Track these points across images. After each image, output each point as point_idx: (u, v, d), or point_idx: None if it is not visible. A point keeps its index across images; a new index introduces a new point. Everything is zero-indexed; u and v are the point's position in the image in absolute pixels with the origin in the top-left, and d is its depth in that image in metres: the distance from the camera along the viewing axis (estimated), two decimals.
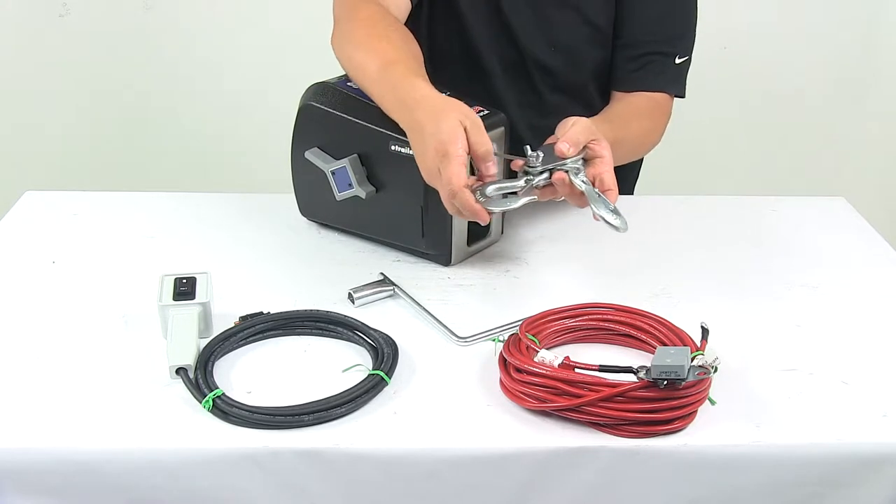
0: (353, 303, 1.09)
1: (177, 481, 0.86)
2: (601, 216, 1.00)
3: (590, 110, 1.40)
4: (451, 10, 1.33)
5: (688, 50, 1.37)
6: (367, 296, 1.09)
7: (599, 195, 1.02)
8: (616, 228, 1.00)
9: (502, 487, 0.88)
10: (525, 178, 1.04)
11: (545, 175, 1.03)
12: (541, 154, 1.04)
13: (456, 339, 1.02)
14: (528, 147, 1.05)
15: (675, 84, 1.38)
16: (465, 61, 1.36)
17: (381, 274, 1.14)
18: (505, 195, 1.04)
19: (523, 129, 1.39)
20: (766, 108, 2.53)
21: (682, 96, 1.39)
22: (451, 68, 1.34)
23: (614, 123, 1.23)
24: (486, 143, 1.00)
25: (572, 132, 1.04)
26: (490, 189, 1.02)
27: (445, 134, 0.99)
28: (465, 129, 0.99)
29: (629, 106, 1.35)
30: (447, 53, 1.35)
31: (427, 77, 1.10)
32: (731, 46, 2.42)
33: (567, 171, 1.03)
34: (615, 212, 1.00)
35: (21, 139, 2.45)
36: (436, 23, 1.36)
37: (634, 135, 1.32)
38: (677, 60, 1.35)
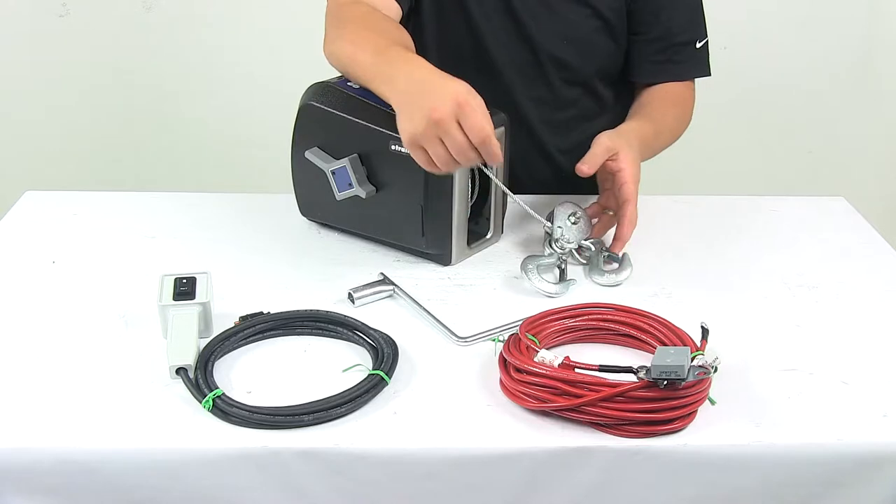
0: (353, 303, 1.09)
1: (177, 481, 0.86)
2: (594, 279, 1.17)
3: (599, 102, 1.41)
4: (460, 7, 1.33)
5: (704, 32, 1.40)
6: (367, 296, 1.09)
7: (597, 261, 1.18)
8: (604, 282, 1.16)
9: (502, 487, 0.88)
10: (557, 257, 1.17)
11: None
12: (565, 234, 1.18)
13: (456, 339, 1.02)
14: (547, 224, 1.18)
15: (699, 68, 1.41)
16: (475, 59, 1.36)
17: (381, 274, 1.14)
18: (546, 269, 1.16)
19: (537, 123, 1.39)
20: (766, 109, 2.54)
21: (709, 75, 1.42)
22: (461, 66, 1.34)
23: (654, 119, 1.32)
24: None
25: (590, 153, 1.17)
26: (535, 266, 1.14)
27: (462, 86, 1.00)
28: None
29: (660, 97, 1.39)
30: (457, 51, 1.35)
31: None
32: (731, 46, 2.42)
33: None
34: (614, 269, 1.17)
35: (21, 139, 2.45)
36: (444, 21, 1.35)
37: (670, 124, 1.37)
38: (698, 45, 1.38)
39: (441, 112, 0.98)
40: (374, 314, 1.06)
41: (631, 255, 1.18)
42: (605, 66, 1.40)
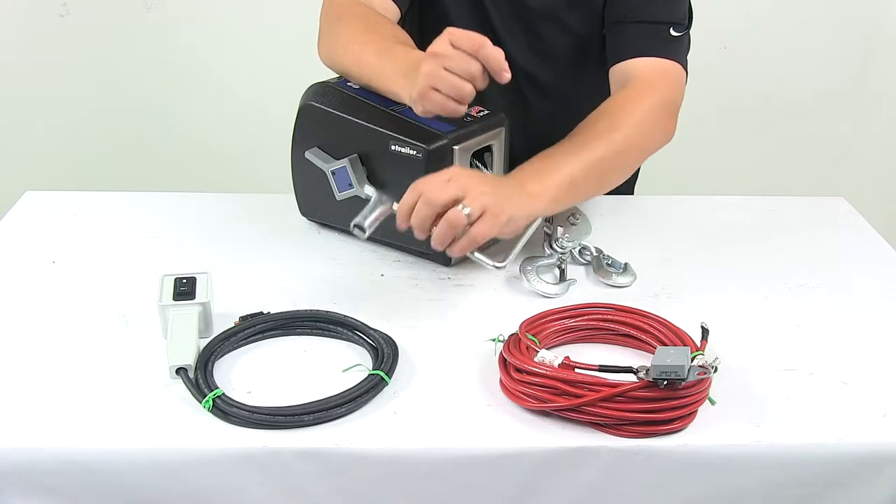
0: (364, 232, 1.04)
1: (177, 481, 0.86)
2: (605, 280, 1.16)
3: (577, 117, 1.38)
4: (441, 19, 1.33)
5: (682, 22, 1.26)
6: (374, 220, 1.05)
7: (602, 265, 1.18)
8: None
9: (502, 487, 0.88)
10: (558, 257, 1.16)
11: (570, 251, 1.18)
12: (566, 233, 1.18)
13: (493, 267, 1.06)
14: (547, 224, 1.18)
15: (672, 52, 1.25)
16: None
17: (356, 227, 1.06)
18: (545, 270, 1.16)
19: (514, 138, 1.38)
20: (765, 108, 2.54)
21: (684, 67, 1.27)
22: None
23: (570, 160, 1.13)
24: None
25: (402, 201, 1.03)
26: (535, 268, 1.14)
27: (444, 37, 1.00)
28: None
29: (598, 114, 1.20)
30: None
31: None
32: (731, 46, 2.42)
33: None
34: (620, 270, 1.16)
35: (21, 139, 2.45)
36: (426, 31, 1.36)
37: (601, 153, 1.15)
38: (673, 32, 1.26)
39: (435, 47, 1.00)
40: (374, 314, 1.06)
41: (631, 254, 1.18)
42: (583, 85, 1.37)
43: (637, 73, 1.25)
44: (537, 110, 1.38)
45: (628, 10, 1.27)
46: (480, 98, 1.36)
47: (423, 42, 1.35)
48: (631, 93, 1.23)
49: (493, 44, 1.31)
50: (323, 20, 1.25)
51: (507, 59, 1.33)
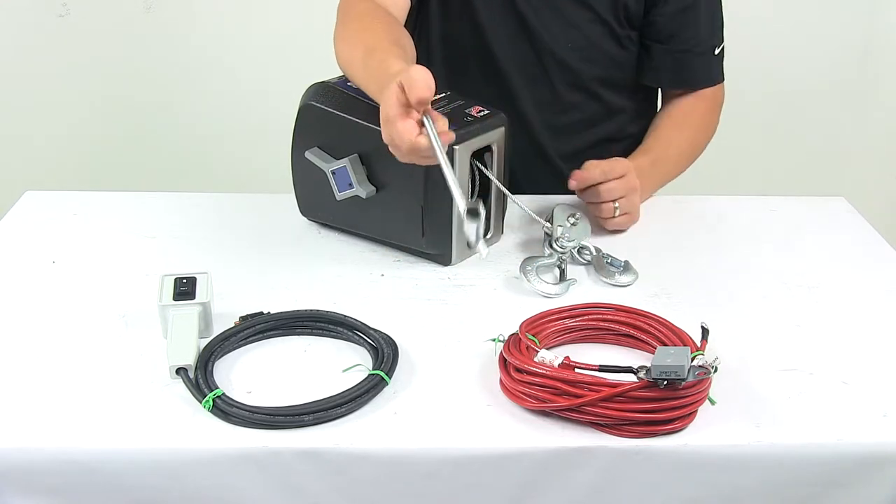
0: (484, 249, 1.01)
1: (177, 481, 0.86)
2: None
3: (604, 109, 1.40)
4: (466, 8, 1.33)
5: (722, 36, 1.43)
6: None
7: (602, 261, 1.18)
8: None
9: (502, 487, 0.88)
10: (558, 257, 1.16)
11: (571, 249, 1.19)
12: (566, 233, 1.19)
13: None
14: (547, 224, 1.20)
15: (717, 75, 1.45)
16: (480, 60, 1.36)
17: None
18: (545, 270, 1.16)
19: (540, 127, 1.38)
20: (766, 108, 2.53)
21: (723, 80, 1.46)
22: (466, 68, 1.34)
23: (653, 148, 1.37)
24: (419, 92, 0.93)
25: (589, 171, 1.23)
26: (535, 268, 1.14)
27: (383, 101, 0.96)
28: (399, 86, 0.94)
29: (673, 121, 1.41)
30: (462, 53, 1.35)
31: (405, 58, 1.09)
32: (730, 46, 2.41)
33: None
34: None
35: (21, 139, 2.45)
36: (450, 22, 1.35)
37: (677, 150, 1.40)
38: (716, 52, 1.41)
39: (381, 123, 0.98)
40: (374, 314, 1.06)
41: (632, 253, 1.18)
42: (610, 72, 1.38)
43: (691, 97, 1.43)
44: (566, 99, 1.39)
45: (691, 38, 1.38)
46: (508, 85, 1.36)
47: (445, 23, 1.35)
48: (682, 116, 1.43)
49: (520, 27, 1.33)
50: (337, 15, 1.26)
51: (535, 47, 1.36)
